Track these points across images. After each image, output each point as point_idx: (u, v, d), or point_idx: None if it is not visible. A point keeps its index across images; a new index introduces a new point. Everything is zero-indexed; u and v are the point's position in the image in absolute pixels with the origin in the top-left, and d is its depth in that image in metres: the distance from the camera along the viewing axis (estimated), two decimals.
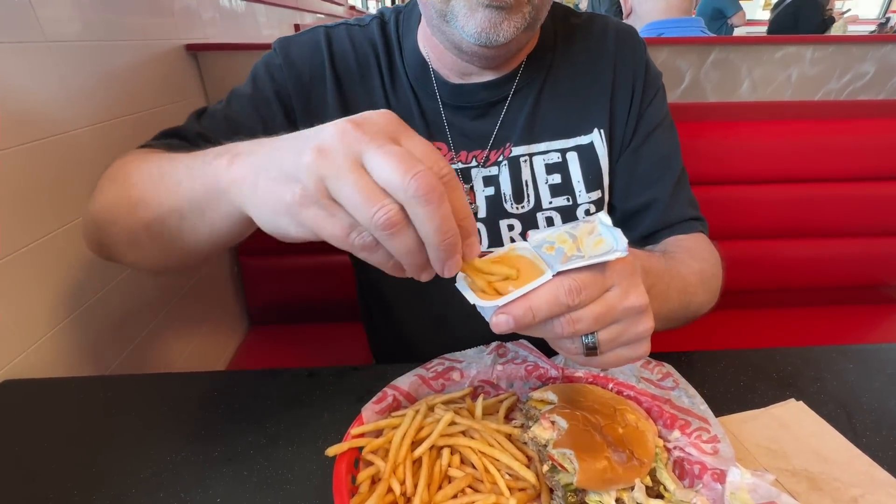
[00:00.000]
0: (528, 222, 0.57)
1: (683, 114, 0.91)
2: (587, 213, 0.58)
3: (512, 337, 0.48)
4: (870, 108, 1.03)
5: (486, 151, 0.57)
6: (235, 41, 1.11)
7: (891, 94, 1.06)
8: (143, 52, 0.78)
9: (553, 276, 0.30)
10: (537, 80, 0.57)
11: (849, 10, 4.08)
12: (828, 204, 1.01)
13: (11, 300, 0.53)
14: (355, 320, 0.81)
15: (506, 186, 0.57)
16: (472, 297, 0.31)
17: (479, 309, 0.32)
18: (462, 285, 0.32)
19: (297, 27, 1.66)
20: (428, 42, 0.55)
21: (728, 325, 0.95)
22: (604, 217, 0.33)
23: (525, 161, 0.57)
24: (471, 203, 0.57)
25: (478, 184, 0.57)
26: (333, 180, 0.26)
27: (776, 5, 4.14)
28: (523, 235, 0.56)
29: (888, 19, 6.85)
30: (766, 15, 7.67)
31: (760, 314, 1.09)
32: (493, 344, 0.47)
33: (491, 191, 0.57)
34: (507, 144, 0.57)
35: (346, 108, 0.56)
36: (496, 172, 0.57)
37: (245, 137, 0.34)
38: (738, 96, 1.05)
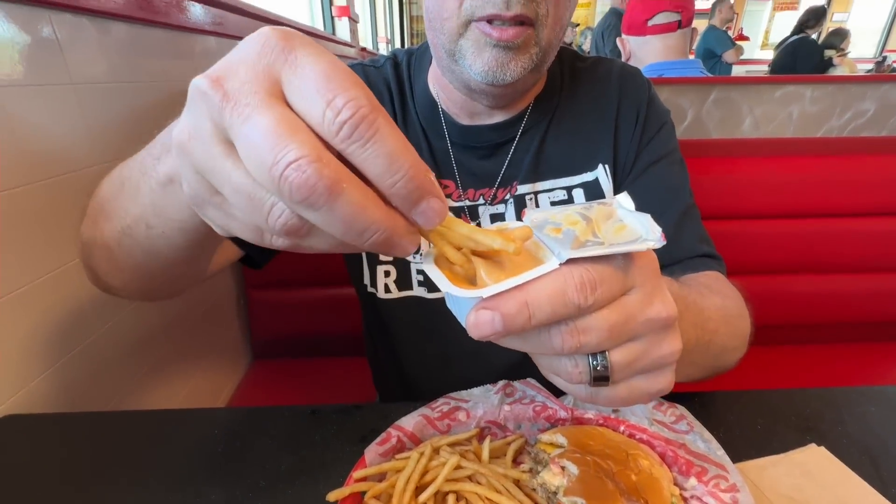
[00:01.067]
0: None
1: (687, 150, 0.91)
2: None
3: (520, 374, 0.48)
4: (872, 145, 1.04)
5: (494, 189, 0.58)
6: None
7: (893, 131, 1.07)
8: (164, 91, 0.82)
9: (560, 264, 0.22)
10: (544, 121, 0.58)
11: (848, 52, 4.19)
12: (835, 239, 1.00)
13: (14, 335, 0.53)
14: (360, 355, 0.80)
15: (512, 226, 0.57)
16: (444, 283, 0.22)
17: (450, 302, 0.24)
18: (430, 265, 0.23)
19: None
20: (438, 83, 0.57)
21: (741, 363, 0.92)
22: (624, 200, 0.26)
23: (531, 199, 0.57)
24: None
25: (485, 221, 0.58)
26: (210, 175, 0.20)
27: (778, 45, 4.28)
28: None
29: (885, 58, 7.01)
30: (764, 54, 7.94)
31: (774, 351, 1.07)
32: (501, 383, 0.46)
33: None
34: (514, 183, 0.58)
35: None
36: (503, 210, 0.58)
37: None
38: (741, 133, 1.07)
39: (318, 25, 2.42)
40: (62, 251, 0.59)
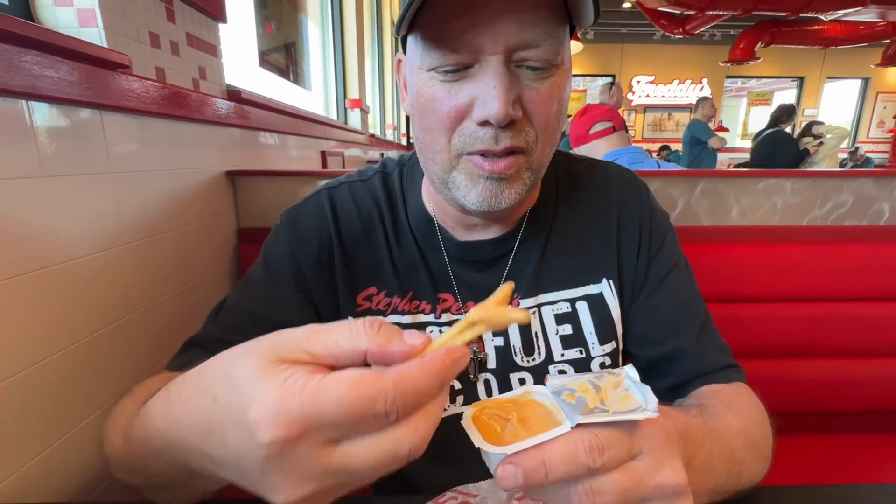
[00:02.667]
0: (540, 376, 0.54)
1: (680, 236, 0.97)
2: (602, 366, 0.55)
3: None
4: (853, 233, 1.09)
5: None
6: (269, 166, 1.25)
7: (873, 221, 1.13)
8: (190, 178, 0.88)
9: (571, 427, 0.26)
10: (542, 231, 0.57)
11: (824, 141, 4.51)
12: (826, 324, 1.02)
13: (6, 421, 0.53)
14: None
15: (515, 339, 0.55)
16: (477, 440, 0.27)
17: (483, 455, 0.28)
18: (468, 423, 0.29)
19: (323, 154, 1.86)
20: (432, 199, 0.56)
21: None
22: (631, 371, 0.29)
23: (534, 312, 0.55)
24: (480, 352, 0.55)
25: (486, 333, 0.56)
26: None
27: (756, 136, 4.61)
28: None
29: (857, 148, 7.51)
30: (744, 143, 8.54)
31: (784, 441, 1.03)
32: None
33: (500, 341, 0.55)
34: (515, 296, 0.55)
35: (352, 272, 0.55)
36: None
37: (261, 331, 0.29)
38: (730, 220, 1.12)
39: (333, 115, 2.63)
40: (80, 331, 0.61)
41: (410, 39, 0.45)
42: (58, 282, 0.57)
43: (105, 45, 0.67)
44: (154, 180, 0.77)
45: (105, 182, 0.66)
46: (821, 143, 4.50)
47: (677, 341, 0.54)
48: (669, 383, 0.54)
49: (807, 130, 4.61)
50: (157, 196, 0.78)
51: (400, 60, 0.52)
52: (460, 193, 0.47)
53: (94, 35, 0.67)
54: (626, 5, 6.10)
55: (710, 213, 1.12)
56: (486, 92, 0.41)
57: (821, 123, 4.61)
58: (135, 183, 0.72)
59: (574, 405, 0.27)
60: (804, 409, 1.04)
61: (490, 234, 0.55)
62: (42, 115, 0.55)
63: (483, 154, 0.44)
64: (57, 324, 0.58)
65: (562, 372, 0.54)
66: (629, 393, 0.28)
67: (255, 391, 0.23)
